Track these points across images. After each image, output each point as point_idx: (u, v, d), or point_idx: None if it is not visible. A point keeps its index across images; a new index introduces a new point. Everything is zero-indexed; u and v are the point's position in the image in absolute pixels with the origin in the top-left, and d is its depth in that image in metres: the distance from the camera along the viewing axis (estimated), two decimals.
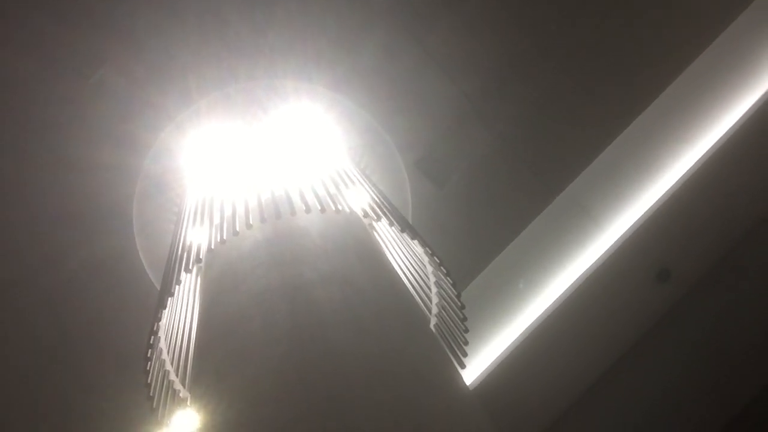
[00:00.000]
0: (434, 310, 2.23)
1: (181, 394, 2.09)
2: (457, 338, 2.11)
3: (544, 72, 3.30)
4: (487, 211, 3.41)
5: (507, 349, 3.71)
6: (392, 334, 1.76)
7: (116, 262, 2.94)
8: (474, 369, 3.71)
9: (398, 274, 2.27)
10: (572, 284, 3.70)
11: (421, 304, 2.25)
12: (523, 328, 3.74)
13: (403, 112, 3.06)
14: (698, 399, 3.77)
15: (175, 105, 2.70)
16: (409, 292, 2.26)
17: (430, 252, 2.12)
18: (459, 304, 2.14)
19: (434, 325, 2.22)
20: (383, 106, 2.96)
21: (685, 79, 3.47)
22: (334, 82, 2.84)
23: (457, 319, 2.12)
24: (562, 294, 3.72)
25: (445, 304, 2.20)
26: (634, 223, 3.69)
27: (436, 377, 1.72)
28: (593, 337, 3.86)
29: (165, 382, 2.08)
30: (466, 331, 2.16)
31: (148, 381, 2.01)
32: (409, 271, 2.41)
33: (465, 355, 2.07)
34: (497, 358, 3.71)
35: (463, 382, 1.84)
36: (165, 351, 2.14)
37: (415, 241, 2.12)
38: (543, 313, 3.74)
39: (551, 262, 3.70)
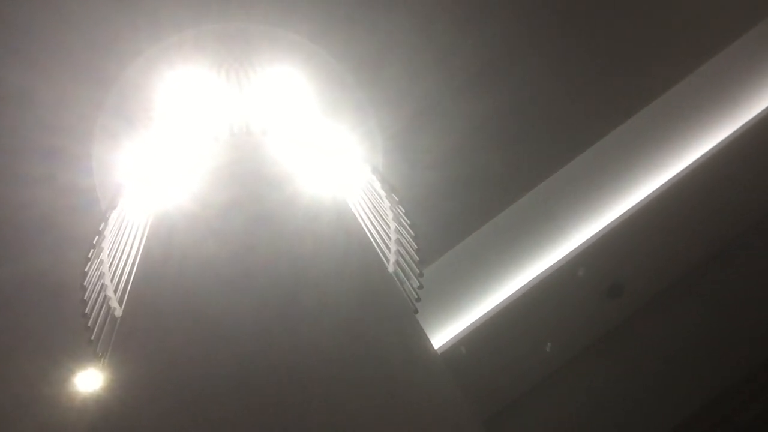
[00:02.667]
0: (392, 258, 2.18)
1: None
2: (412, 283, 2.06)
3: (527, 70, 3.30)
4: (454, 198, 3.41)
5: (456, 336, 3.77)
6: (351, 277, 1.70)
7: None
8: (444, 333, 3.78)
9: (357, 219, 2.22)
10: (526, 284, 3.79)
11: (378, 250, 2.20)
12: (475, 318, 3.80)
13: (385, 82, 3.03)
14: (637, 412, 3.89)
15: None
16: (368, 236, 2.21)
17: (389, 189, 2.08)
18: (415, 246, 2.09)
19: (392, 271, 2.17)
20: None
21: (657, 105, 3.56)
22: (312, 31, 2.79)
23: (413, 263, 2.07)
24: (515, 292, 3.80)
25: (403, 248, 2.15)
26: (595, 234, 3.78)
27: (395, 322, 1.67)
28: (540, 339, 3.99)
29: (105, 311, 1.99)
30: (421, 274, 2.11)
31: (86, 311, 1.92)
32: (369, 219, 2.37)
33: (418, 299, 2.02)
34: (448, 341, 3.76)
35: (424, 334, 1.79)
36: (107, 276, 2.06)
37: (376, 180, 2.08)
38: (497, 305, 3.81)
39: (511, 257, 3.78)
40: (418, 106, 3.14)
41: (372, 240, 2.30)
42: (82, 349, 2.07)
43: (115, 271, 2.08)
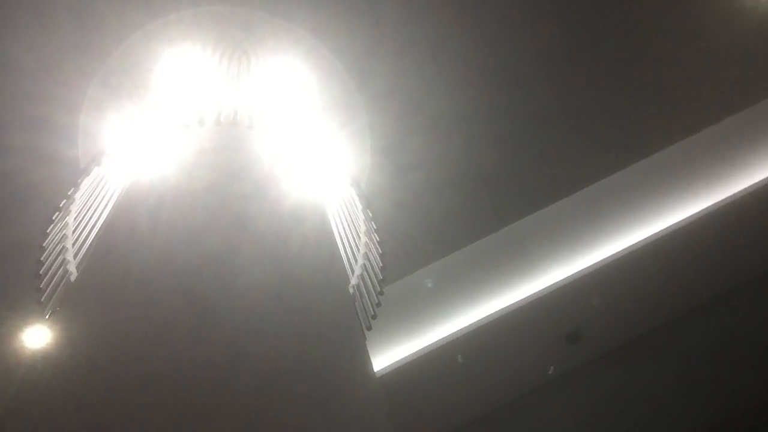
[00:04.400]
0: (357, 271, 2.20)
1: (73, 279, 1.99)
2: (370, 302, 2.08)
3: (525, 105, 3.33)
4: (432, 217, 3.44)
5: (411, 355, 3.78)
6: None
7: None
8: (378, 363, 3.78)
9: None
10: (488, 315, 3.81)
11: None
12: (433, 340, 3.82)
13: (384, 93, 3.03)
14: None
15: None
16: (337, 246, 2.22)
17: (365, 203, 2.10)
18: (381, 264, 2.12)
19: (354, 284, 2.19)
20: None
21: (650, 162, 3.62)
22: (314, 24, 2.77)
23: (372, 289, 2.09)
24: (477, 321, 3.83)
25: (369, 263, 2.18)
26: (564, 278, 3.82)
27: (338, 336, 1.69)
28: (494, 371, 4.01)
29: (61, 273, 1.97)
30: (381, 293, 2.13)
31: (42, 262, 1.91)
32: (343, 228, 2.38)
33: (374, 317, 2.05)
34: (399, 360, 3.78)
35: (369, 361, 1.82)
36: (69, 240, 2.04)
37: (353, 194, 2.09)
38: (456, 332, 3.84)
39: (478, 287, 3.81)
40: (406, 106, 3.14)
41: (342, 251, 2.32)
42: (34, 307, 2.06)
43: (79, 236, 2.07)
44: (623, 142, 3.54)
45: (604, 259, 3.83)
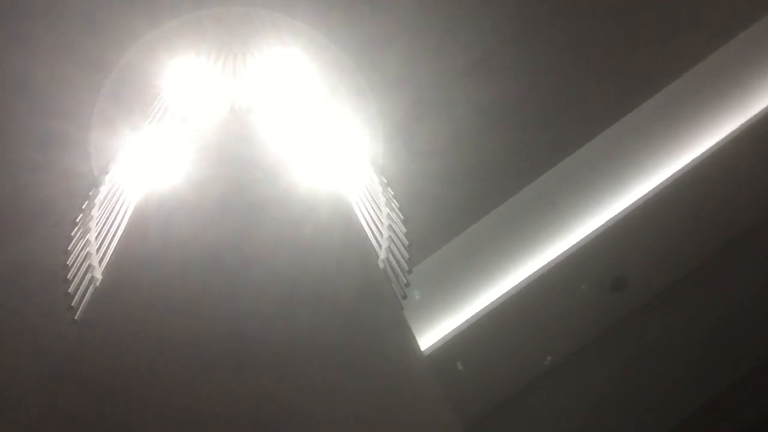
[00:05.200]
0: (382, 255, 2.16)
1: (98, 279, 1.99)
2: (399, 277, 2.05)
3: (535, 54, 3.24)
4: (455, 187, 3.35)
5: (455, 329, 3.71)
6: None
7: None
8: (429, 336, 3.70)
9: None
10: (528, 276, 3.71)
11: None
12: (475, 311, 3.73)
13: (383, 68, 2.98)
14: (639, 407, 3.84)
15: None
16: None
17: (384, 182, 2.07)
18: (406, 242, 2.08)
19: (382, 267, 2.16)
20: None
21: (669, 91, 3.47)
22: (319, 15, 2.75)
23: (401, 258, 2.05)
24: (517, 284, 3.73)
25: (394, 244, 2.14)
26: (600, 226, 3.69)
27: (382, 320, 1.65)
28: (540, 332, 3.90)
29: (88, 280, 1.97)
30: (410, 271, 2.09)
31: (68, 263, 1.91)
32: (366, 211, 2.35)
33: (405, 297, 2.01)
34: (444, 336, 3.71)
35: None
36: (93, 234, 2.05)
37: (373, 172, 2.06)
38: (497, 299, 3.74)
39: (512, 249, 3.71)
40: (420, 93, 3.09)
41: (368, 231, 2.29)
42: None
43: (102, 236, 2.08)
44: (641, 75, 3.39)
45: (641, 197, 3.69)
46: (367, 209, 2.37)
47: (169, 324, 1.31)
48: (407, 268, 2.09)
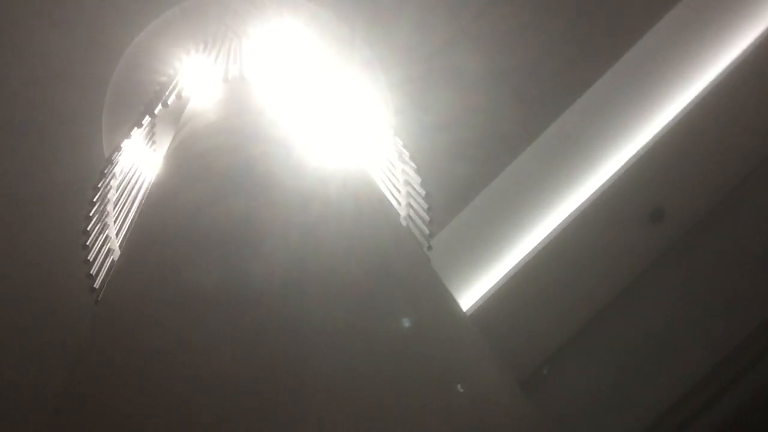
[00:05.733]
0: (403, 209, 2.13)
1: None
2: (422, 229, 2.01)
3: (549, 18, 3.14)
4: (473, 142, 3.24)
5: (492, 288, 3.61)
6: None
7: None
8: (468, 297, 3.65)
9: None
10: (561, 222, 3.58)
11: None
12: (510, 267, 3.64)
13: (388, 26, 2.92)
14: (690, 341, 3.60)
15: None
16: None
17: (400, 145, 2.02)
18: (426, 206, 2.04)
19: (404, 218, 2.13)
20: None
21: (684, 7, 3.25)
22: None
23: (422, 210, 2.02)
24: (551, 231, 3.61)
25: (413, 209, 2.10)
26: (628, 159, 3.52)
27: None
28: (583, 277, 3.74)
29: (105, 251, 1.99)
30: (431, 236, 2.06)
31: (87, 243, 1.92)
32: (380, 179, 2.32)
33: (430, 248, 1.98)
34: (482, 296, 3.61)
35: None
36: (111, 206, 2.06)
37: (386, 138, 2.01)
38: (532, 251, 3.63)
39: (540, 197, 3.57)
40: (430, 63, 3.03)
41: (385, 192, 2.26)
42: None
43: (119, 217, 2.09)
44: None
45: (670, 121, 3.49)
46: (382, 174, 2.34)
47: (178, 301, 1.28)
48: (428, 218, 2.06)
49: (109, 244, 2.06)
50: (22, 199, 2.86)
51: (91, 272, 1.90)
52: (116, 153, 2.05)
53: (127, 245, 1.72)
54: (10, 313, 3.05)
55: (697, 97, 3.48)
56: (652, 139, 3.52)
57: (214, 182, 1.62)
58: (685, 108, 3.50)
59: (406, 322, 1.34)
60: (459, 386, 1.16)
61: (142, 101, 2.63)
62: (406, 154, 2.13)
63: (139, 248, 1.56)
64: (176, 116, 2.25)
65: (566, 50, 3.21)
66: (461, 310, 1.72)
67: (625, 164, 3.53)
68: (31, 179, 2.81)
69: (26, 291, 3.01)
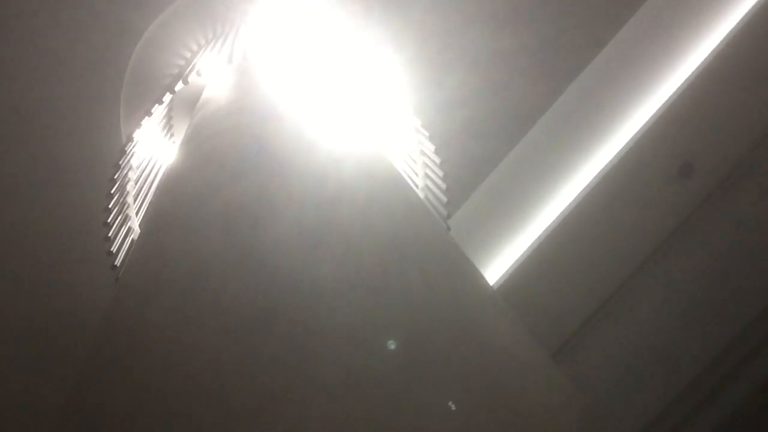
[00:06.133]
0: (420, 190, 2.12)
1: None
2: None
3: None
4: (489, 109, 3.17)
5: (523, 253, 3.57)
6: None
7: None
8: (493, 272, 3.58)
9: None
10: (587, 185, 3.49)
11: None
12: (537, 234, 3.58)
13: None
14: (724, 299, 3.49)
15: None
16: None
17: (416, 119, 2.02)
18: (442, 173, 2.04)
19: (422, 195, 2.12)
20: None
21: None
22: None
23: (439, 190, 2.01)
24: (578, 195, 3.53)
25: (429, 177, 2.09)
26: (653, 114, 3.38)
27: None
28: (614, 239, 3.65)
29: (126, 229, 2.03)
30: (449, 212, 2.04)
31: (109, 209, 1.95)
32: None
33: (448, 217, 1.98)
34: (515, 261, 3.58)
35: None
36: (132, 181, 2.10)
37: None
38: (559, 215, 3.56)
39: (565, 160, 3.48)
40: (446, 41, 2.98)
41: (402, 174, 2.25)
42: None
43: (139, 194, 2.13)
44: None
45: (695, 69, 3.33)
46: (399, 153, 2.33)
47: (195, 281, 1.30)
48: (444, 186, 2.06)
49: (129, 223, 2.09)
50: (43, 181, 2.90)
51: (111, 249, 1.93)
52: (136, 130, 2.07)
53: (145, 226, 1.74)
54: (30, 289, 3.11)
55: (722, 42, 3.31)
56: (675, 91, 3.38)
57: (227, 163, 1.63)
58: (710, 55, 3.33)
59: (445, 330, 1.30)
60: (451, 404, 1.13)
61: (160, 84, 2.64)
62: (425, 134, 2.11)
63: (156, 229, 1.58)
64: (192, 105, 2.26)
65: (581, 11, 3.11)
66: (486, 282, 1.71)
67: (646, 122, 3.41)
68: (51, 161, 2.85)
69: (47, 269, 3.07)
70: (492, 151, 3.33)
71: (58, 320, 3.11)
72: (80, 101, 2.79)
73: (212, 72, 2.29)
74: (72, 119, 2.81)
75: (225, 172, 1.60)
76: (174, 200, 1.64)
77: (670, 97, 3.41)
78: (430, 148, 2.19)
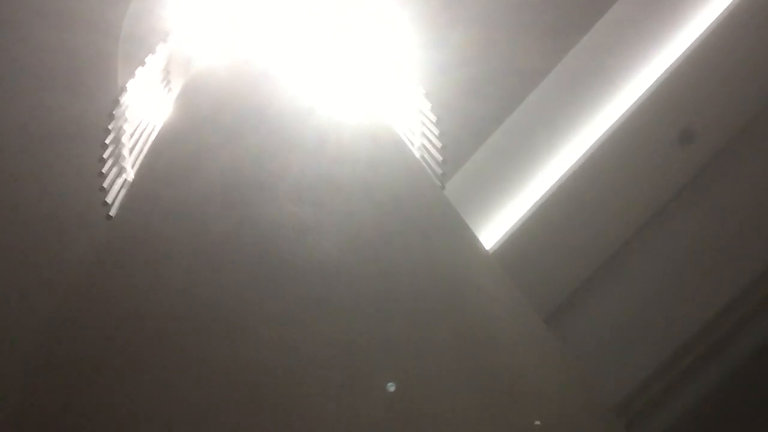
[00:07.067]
0: (416, 150, 2.11)
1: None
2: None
3: None
4: (493, 69, 3.13)
5: (522, 216, 3.58)
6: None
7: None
8: (491, 234, 3.59)
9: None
10: (588, 148, 3.48)
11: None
12: (537, 196, 3.58)
13: None
14: (722, 266, 3.50)
15: None
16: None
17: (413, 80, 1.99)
18: (437, 132, 2.02)
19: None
20: None
21: None
22: None
23: (435, 150, 2.00)
24: (578, 159, 3.51)
25: (426, 136, 2.08)
26: (655, 80, 3.36)
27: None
28: (612, 204, 3.65)
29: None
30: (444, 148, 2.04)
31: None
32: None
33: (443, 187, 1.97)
34: (514, 224, 3.59)
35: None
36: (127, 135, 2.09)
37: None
38: (559, 179, 3.55)
39: (566, 123, 3.45)
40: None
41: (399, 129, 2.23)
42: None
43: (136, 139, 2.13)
44: None
45: (697, 38, 3.31)
46: (399, 115, 2.32)
47: (191, 244, 1.29)
48: (441, 158, 2.06)
49: (124, 175, 2.09)
50: (48, 135, 2.88)
51: (106, 200, 1.95)
52: (130, 80, 2.05)
53: (140, 182, 1.73)
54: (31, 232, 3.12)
55: (724, 9, 3.27)
56: (677, 60, 3.36)
57: (226, 123, 1.61)
58: (711, 24, 3.29)
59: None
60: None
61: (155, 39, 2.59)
62: (422, 90, 2.09)
63: (153, 186, 1.57)
64: (190, 62, 2.22)
65: None
66: (481, 245, 1.72)
67: (649, 87, 3.39)
68: (52, 117, 2.83)
69: (48, 213, 3.07)
70: (493, 111, 3.29)
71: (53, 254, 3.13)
72: (80, 61, 2.76)
73: (210, 29, 2.25)
74: (72, 74, 2.78)
75: (223, 132, 1.58)
76: (171, 160, 1.62)
77: (673, 63, 3.38)
78: (426, 105, 2.17)
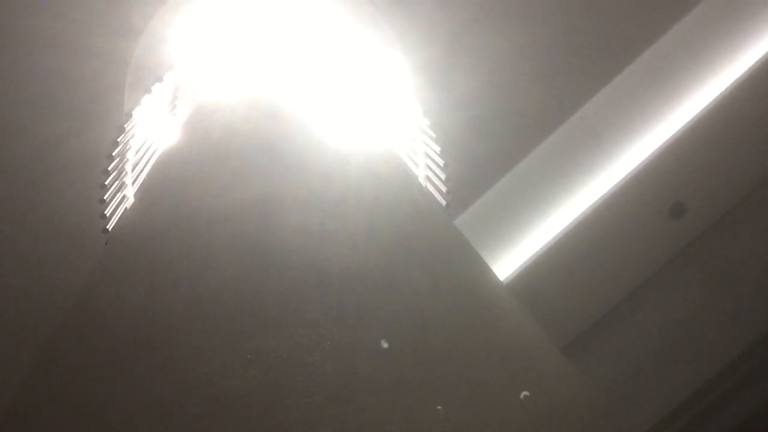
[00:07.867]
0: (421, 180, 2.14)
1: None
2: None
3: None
4: (491, 136, 3.26)
5: (510, 275, 3.61)
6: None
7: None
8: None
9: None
10: (580, 213, 3.57)
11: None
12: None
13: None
14: (709, 337, 3.60)
15: None
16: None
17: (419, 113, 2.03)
18: (438, 149, 2.06)
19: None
20: None
21: (705, 7, 3.22)
22: None
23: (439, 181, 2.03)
24: (570, 222, 3.59)
25: (430, 168, 2.12)
26: (651, 152, 3.49)
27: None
28: (600, 272, 3.73)
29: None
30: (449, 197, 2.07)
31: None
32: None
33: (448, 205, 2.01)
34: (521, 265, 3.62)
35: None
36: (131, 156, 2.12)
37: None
38: (549, 241, 3.61)
39: (560, 186, 3.55)
40: (450, 42, 2.98)
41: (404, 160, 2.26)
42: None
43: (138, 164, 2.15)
44: None
45: (694, 117, 3.45)
46: (404, 150, 2.35)
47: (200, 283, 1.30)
48: (444, 176, 2.08)
49: (124, 191, 2.12)
50: (55, 166, 2.92)
51: (105, 212, 1.97)
52: (136, 107, 2.09)
53: (140, 199, 1.74)
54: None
55: (721, 93, 3.44)
56: (674, 134, 3.49)
57: (234, 163, 1.63)
58: (709, 104, 3.45)
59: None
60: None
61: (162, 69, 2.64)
62: (426, 121, 2.14)
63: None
64: (197, 89, 2.27)
65: (589, 37, 3.18)
66: (495, 276, 1.71)
67: (645, 159, 3.51)
68: (61, 148, 2.87)
69: (51, 240, 3.09)
70: (498, 160, 3.38)
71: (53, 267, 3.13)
72: (89, 93, 2.81)
73: (217, 63, 2.30)
74: (81, 109, 2.84)
75: (231, 173, 1.59)
76: (179, 199, 1.63)
77: (670, 138, 3.49)
78: (431, 136, 2.22)
